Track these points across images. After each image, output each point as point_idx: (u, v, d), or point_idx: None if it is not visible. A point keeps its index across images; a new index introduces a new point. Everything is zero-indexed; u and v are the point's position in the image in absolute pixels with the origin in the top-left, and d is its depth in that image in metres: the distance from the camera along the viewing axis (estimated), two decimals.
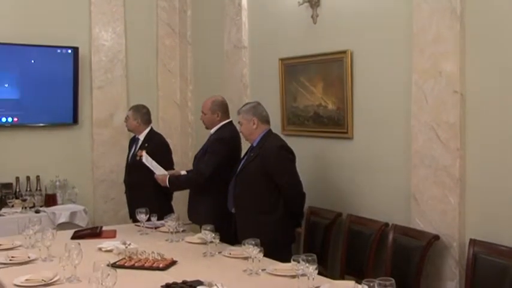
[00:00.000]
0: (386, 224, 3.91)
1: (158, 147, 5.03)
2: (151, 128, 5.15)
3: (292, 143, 4.76)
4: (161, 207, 4.59)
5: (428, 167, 3.65)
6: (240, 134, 4.25)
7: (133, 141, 5.25)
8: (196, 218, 4.39)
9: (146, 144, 5.01)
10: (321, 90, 4.52)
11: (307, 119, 4.69)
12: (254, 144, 4.06)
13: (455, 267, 3.53)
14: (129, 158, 5.17)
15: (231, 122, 4.50)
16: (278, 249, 3.59)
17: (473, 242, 3.35)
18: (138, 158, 4.99)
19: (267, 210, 3.91)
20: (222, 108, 4.48)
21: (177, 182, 4.49)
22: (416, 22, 3.70)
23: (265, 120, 4.09)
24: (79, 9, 5.97)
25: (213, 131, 4.47)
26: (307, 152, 4.71)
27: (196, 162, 4.48)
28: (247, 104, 4.22)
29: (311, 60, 4.59)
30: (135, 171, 5.04)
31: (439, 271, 3.60)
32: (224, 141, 4.32)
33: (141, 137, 5.10)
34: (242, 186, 4.02)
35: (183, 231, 4.16)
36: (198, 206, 4.39)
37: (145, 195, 4.76)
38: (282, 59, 4.89)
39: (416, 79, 3.72)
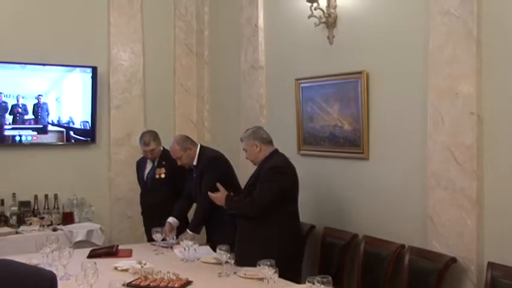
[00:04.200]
0: (403, 246, 3.87)
1: (175, 163, 5.07)
2: (163, 147, 5.20)
3: (308, 163, 4.79)
4: (180, 227, 4.60)
5: (445, 188, 3.62)
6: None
7: (141, 163, 5.27)
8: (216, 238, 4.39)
9: (164, 162, 5.05)
10: (337, 111, 4.52)
11: (323, 139, 4.68)
12: (259, 164, 4.13)
13: None
14: (146, 178, 5.18)
15: (201, 145, 4.68)
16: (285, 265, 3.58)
17: (491, 265, 3.30)
18: (158, 176, 5.03)
19: (267, 229, 3.92)
20: (188, 140, 4.65)
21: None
22: (432, 43, 3.70)
23: (268, 141, 4.15)
24: (98, 29, 6.05)
25: (195, 163, 4.59)
26: (323, 172, 4.70)
27: (197, 191, 4.57)
28: (247, 130, 4.28)
29: (327, 80, 4.59)
30: (154, 191, 5.07)
31: None
32: (216, 159, 4.50)
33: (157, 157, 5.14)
34: None
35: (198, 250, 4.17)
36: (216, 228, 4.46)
37: (164, 215, 4.76)
38: (298, 79, 4.90)
39: (432, 100, 3.71)
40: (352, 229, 4.35)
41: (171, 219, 4.66)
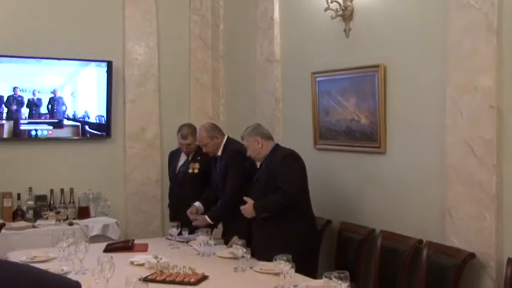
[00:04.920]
0: (420, 241, 3.85)
1: (209, 161, 5.07)
2: None
3: (324, 157, 4.78)
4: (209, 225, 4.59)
5: (464, 183, 3.59)
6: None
7: (175, 154, 5.25)
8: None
9: (199, 157, 5.05)
10: (354, 105, 4.49)
11: (339, 133, 4.66)
12: (262, 160, 4.18)
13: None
14: (177, 171, 5.18)
15: (228, 137, 4.67)
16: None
17: (511, 261, 3.27)
18: (191, 170, 5.02)
19: (279, 222, 3.96)
20: (216, 129, 4.67)
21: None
22: (451, 36, 3.66)
23: (268, 136, 4.22)
24: (113, 24, 6.06)
25: (220, 153, 4.61)
26: (339, 167, 4.68)
27: (219, 182, 4.59)
28: (247, 128, 4.29)
29: (344, 74, 4.57)
30: (184, 185, 5.05)
31: None
32: (241, 153, 4.42)
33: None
34: (257, 198, 4.10)
35: (214, 245, 4.18)
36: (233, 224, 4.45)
37: None
38: (314, 73, 4.87)
39: (451, 93, 3.67)
40: (369, 224, 4.33)
41: (197, 203, 4.73)
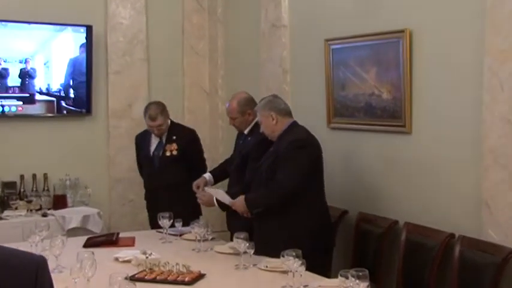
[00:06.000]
0: (452, 235, 3.85)
1: (188, 139, 5.08)
2: (171, 120, 5.20)
3: (340, 138, 4.79)
4: (194, 215, 4.57)
5: (504, 168, 3.57)
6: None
7: (144, 137, 5.23)
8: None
9: (174, 137, 5.06)
10: (374, 77, 4.48)
11: (357, 110, 4.66)
12: (276, 139, 4.14)
13: None
14: (152, 156, 5.16)
15: None
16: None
17: None
18: (169, 153, 5.01)
19: (284, 212, 3.95)
20: (252, 104, 4.55)
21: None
22: None
23: (286, 112, 4.15)
24: None
25: (247, 131, 4.57)
26: (357, 149, 4.70)
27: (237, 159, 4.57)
28: (262, 99, 4.26)
29: (362, 41, 4.56)
30: (164, 171, 5.06)
31: None
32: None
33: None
34: (258, 184, 4.11)
35: (212, 239, 4.18)
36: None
37: (177, 199, 4.74)
38: (328, 40, 4.87)
39: (490, 63, 3.64)
40: (391, 215, 4.34)
41: (207, 175, 4.74)
